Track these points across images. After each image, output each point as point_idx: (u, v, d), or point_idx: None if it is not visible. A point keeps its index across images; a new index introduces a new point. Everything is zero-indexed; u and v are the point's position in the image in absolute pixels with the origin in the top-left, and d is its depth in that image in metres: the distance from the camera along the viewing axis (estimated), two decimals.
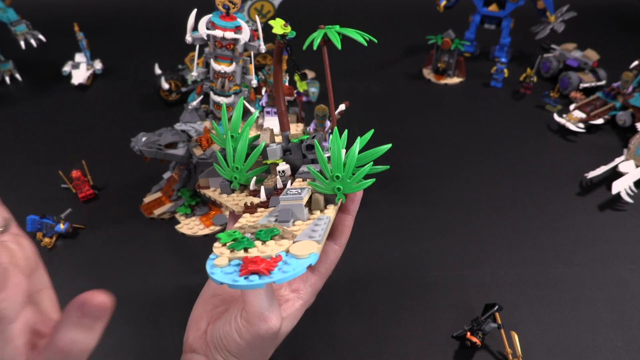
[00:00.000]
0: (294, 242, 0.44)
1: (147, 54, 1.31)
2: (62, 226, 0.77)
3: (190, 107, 0.80)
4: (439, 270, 0.75)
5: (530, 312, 0.69)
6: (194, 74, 0.76)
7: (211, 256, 0.42)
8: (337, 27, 0.52)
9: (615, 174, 0.91)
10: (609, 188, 0.88)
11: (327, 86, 0.56)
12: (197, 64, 0.75)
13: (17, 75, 1.22)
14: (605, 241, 0.81)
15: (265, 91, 0.81)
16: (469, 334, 0.63)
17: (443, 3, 1.30)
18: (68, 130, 1.06)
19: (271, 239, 0.44)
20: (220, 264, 0.41)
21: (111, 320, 0.60)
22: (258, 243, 0.44)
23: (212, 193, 0.57)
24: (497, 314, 0.64)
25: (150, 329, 0.66)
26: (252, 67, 0.77)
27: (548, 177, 0.94)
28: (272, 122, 0.82)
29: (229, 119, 0.54)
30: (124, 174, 0.92)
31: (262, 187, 0.52)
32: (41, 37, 1.18)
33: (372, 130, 0.50)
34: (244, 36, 0.70)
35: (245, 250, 0.43)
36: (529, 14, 1.31)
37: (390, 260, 0.77)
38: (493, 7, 1.27)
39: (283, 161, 0.56)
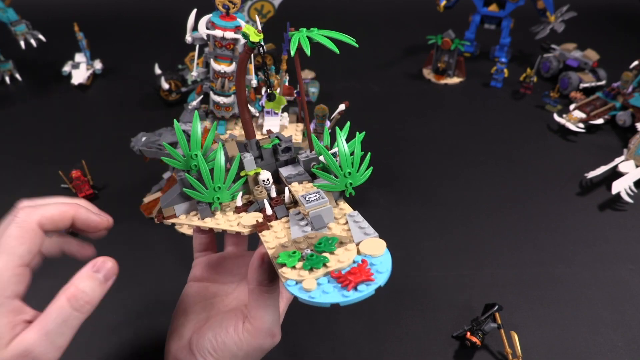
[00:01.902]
0: (357, 244, 0.45)
1: (147, 54, 1.31)
2: None
3: (190, 107, 0.80)
4: (439, 270, 0.75)
5: (530, 312, 0.69)
6: (194, 73, 0.76)
7: (288, 282, 0.41)
8: (315, 31, 0.50)
9: (615, 174, 0.91)
10: (609, 188, 0.88)
11: (300, 91, 0.55)
12: (197, 63, 0.75)
13: (17, 75, 1.22)
14: (605, 241, 0.81)
15: (265, 91, 0.81)
16: (468, 334, 0.63)
17: (443, 3, 1.30)
18: (68, 130, 1.06)
19: (336, 247, 0.44)
20: (310, 287, 0.41)
21: (111, 320, 0.61)
22: (328, 255, 0.44)
23: (189, 221, 0.52)
24: (497, 314, 0.64)
25: (150, 329, 0.66)
26: (252, 67, 0.77)
27: (548, 177, 0.94)
28: (272, 122, 0.82)
29: (187, 140, 0.50)
30: (124, 174, 0.92)
31: (265, 201, 0.51)
32: (41, 37, 1.18)
33: (349, 123, 0.55)
34: None
35: (325, 265, 0.43)
36: (529, 14, 1.31)
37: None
38: (493, 7, 1.27)
39: (261, 169, 0.54)
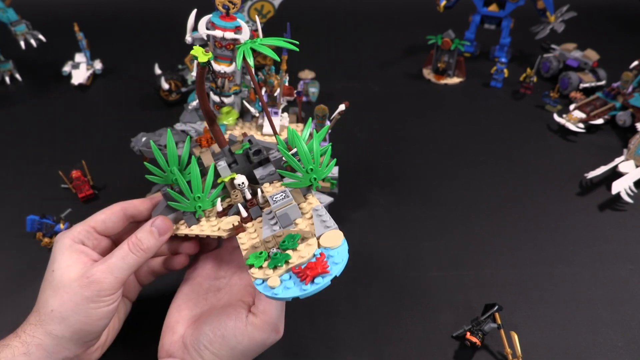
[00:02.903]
0: (317, 238, 0.48)
1: (147, 54, 1.31)
2: (62, 226, 0.77)
3: (190, 107, 0.80)
4: (439, 270, 0.75)
5: (530, 312, 0.69)
6: (194, 74, 0.75)
7: (256, 282, 0.46)
8: (258, 41, 0.53)
9: (615, 174, 0.91)
10: (609, 188, 0.88)
11: (261, 102, 0.59)
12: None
13: (17, 75, 1.22)
14: (605, 241, 0.81)
15: (265, 91, 0.81)
16: (468, 334, 0.63)
17: (443, 3, 1.30)
18: (68, 130, 1.06)
19: (298, 243, 0.48)
20: (274, 284, 0.45)
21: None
22: (291, 252, 0.47)
23: (177, 230, 0.57)
24: (497, 314, 0.64)
25: (150, 328, 0.66)
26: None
27: (548, 177, 0.94)
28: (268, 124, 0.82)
29: (164, 156, 0.56)
30: (124, 174, 0.92)
31: (239, 205, 0.55)
32: (41, 37, 1.18)
33: (326, 127, 0.59)
34: (244, 36, 0.70)
35: (287, 262, 0.46)
36: (529, 14, 1.31)
37: (390, 261, 0.77)
38: (493, 7, 1.27)
39: (236, 174, 0.58)
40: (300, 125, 0.84)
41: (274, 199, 0.52)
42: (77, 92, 1.19)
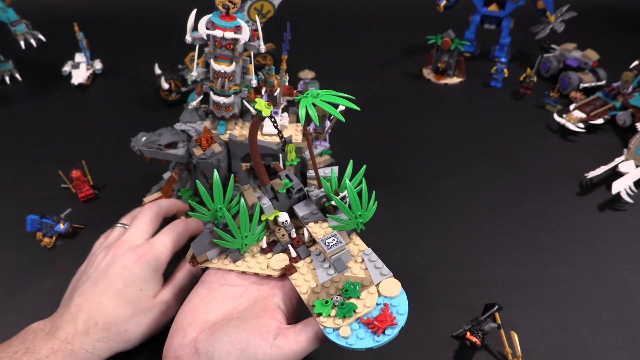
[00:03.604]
0: (377, 286, 0.52)
1: (147, 54, 1.31)
2: (62, 226, 0.77)
3: (190, 107, 0.80)
4: (438, 270, 0.75)
5: (530, 312, 0.69)
6: (194, 74, 0.75)
7: (327, 330, 0.49)
8: (320, 96, 0.52)
9: (615, 174, 0.91)
10: (609, 188, 0.88)
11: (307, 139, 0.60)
12: (197, 63, 0.75)
13: (17, 75, 1.22)
14: (605, 241, 0.81)
15: (265, 91, 0.80)
16: (468, 333, 0.63)
17: (443, 3, 1.30)
18: (68, 130, 1.06)
19: (360, 292, 0.51)
20: (346, 334, 0.48)
21: None
22: (355, 300, 0.51)
23: (221, 265, 0.59)
24: (497, 314, 0.64)
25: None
26: (252, 67, 0.76)
27: (548, 177, 0.94)
28: (271, 123, 0.81)
29: (211, 196, 0.56)
30: (124, 174, 0.92)
31: (290, 247, 0.58)
32: (41, 37, 1.18)
33: (352, 162, 0.61)
34: (244, 36, 0.70)
35: (354, 312, 0.49)
36: (529, 14, 1.31)
37: (390, 260, 0.76)
38: (493, 7, 1.27)
39: (279, 211, 0.60)
40: (300, 125, 0.84)
41: (327, 244, 0.55)
42: (77, 92, 1.19)
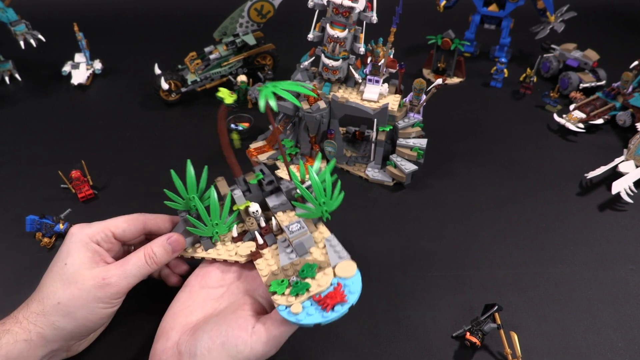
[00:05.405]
0: (333, 268, 0.53)
1: (147, 54, 1.31)
2: (61, 226, 0.78)
3: (302, 66, 0.88)
4: (439, 270, 0.75)
5: (530, 312, 0.69)
6: (310, 36, 0.83)
7: (280, 307, 0.50)
8: (279, 85, 0.55)
9: (615, 174, 0.91)
10: (609, 188, 0.88)
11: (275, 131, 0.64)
12: (315, 28, 0.84)
13: (17, 75, 1.22)
14: (605, 241, 0.81)
15: (371, 60, 0.86)
16: (468, 334, 0.63)
17: (443, 3, 1.30)
18: (68, 130, 1.06)
19: (316, 272, 0.53)
20: (297, 310, 0.49)
21: (114, 319, 0.61)
22: (310, 280, 0.52)
23: (194, 253, 0.62)
24: (496, 314, 0.64)
25: (152, 327, 0.66)
26: (362, 36, 0.84)
27: (548, 177, 0.94)
28: (372, 90, 0.86)
29: (184, 184, 0.59)
30: (123, 174, 0.92)
31: (256, 232, 0.60)
32: (41, 37, 1.18)
33: (334, 160, 0.64)
34: (360, 5, 0.78)
35: (307, 290, 0.51)
36: (529, 14, 1.31)
37: (390, 260, 0.77)
38: (493, 7, 1.27)
39: (250, 202, 0.62)
40: (398, 96, 0.88)
41: (290, 229, 0.57)
42: (77, 92, 1.19)
